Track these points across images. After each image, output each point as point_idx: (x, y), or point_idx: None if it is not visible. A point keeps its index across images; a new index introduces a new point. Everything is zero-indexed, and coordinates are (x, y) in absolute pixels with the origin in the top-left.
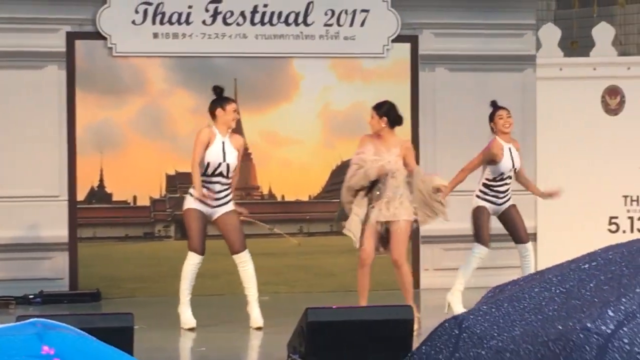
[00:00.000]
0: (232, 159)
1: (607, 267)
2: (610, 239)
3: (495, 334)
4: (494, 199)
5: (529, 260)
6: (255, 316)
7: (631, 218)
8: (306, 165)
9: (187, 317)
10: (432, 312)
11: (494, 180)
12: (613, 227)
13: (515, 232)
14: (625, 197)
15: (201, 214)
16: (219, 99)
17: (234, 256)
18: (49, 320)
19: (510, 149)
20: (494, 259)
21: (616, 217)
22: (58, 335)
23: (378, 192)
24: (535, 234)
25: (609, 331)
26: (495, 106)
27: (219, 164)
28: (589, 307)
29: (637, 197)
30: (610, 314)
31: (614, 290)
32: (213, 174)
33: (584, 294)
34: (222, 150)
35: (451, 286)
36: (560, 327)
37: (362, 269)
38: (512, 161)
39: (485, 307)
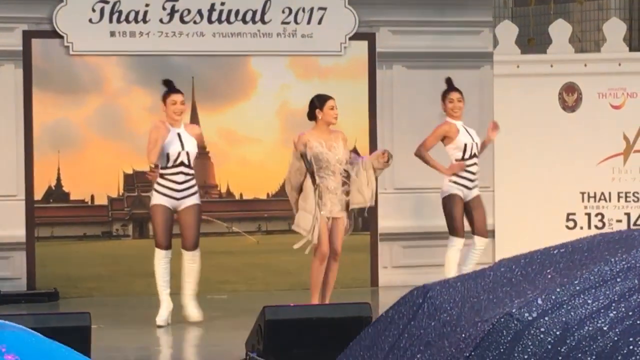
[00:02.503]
0: (191, 147)
1: (571, 256)
2: (567, 236)
3: (448, 308)
4: (466, 182)
5: (476, 254)
6: (191, 310)
7: (588, 214)
8: (264, 164)
9: (159, 313)
10: None
11: (463, 159)
12: (570, 224)
13: (477, 223)
14: (583, 193)
15: (165, 209)
16: (164, 93)
17: (184, 252)
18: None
19: (464, 127)
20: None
21: (574, 214)
22: (8, 334)
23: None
24: (493, 231)
25: (530, 318)
26: (449, 84)
27: (179, 153)
28: (529, 293)
29: (595, 193)
30: (539, 302)
31: (562, 278)
32: (174, 165)
33: (536, 279)
34: (180, 140)
35: (409, 284)
36: (493, 311)
37: (321, 264)
38: (470, 135)
39: (453, 280)
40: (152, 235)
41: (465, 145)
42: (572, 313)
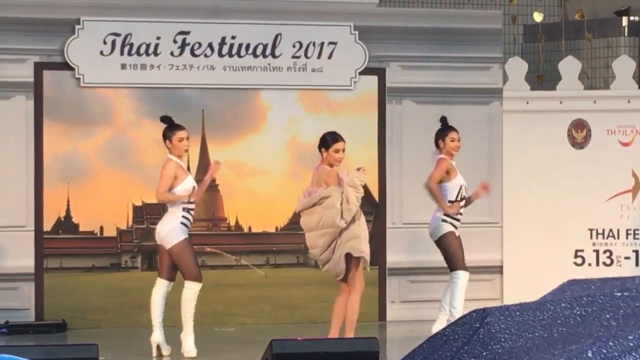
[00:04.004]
0: (193, 182)
1: (633, 302)
2: (575, 273)
3: (502, 340)
4: (456, 222)
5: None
6: (189, 346)
7: (597, 251)
8: (273, 197)
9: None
10: (399, 345)
11: (456, 200)
12: (579, 260)
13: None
14: (591, 230)
15: (190, 242)
16: (166, 130)
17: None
18: (14, 357)
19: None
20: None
21: (582, 250)
22: None
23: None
24: (501, 267)
25: None
26: (445, 124)
27: (194, 188)
28: (582, 340)
29: (603, 230)
30: (589, 354)
31: (618, 328)
32: (191, 201)
33: (594, 324)
34: (188, 176)
35: (417, 318)
36: (544, 355)
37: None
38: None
39: (513, 308)
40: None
41: (461, 186)
42: None
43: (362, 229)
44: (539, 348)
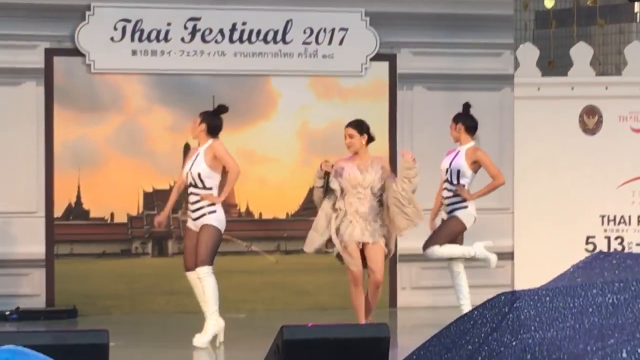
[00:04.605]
0: (196, 167)
1: None
2: None
3: (532, 328)
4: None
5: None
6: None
7: (608, 238)
8: (284, 184)
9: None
10: (409, 331)
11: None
12: (590, 247)
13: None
14: (603, 216)
15: (189, 231)
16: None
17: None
18: (21, 349)
19: None
20: (474, 276)
21: (593, 237)
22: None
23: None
24: (512, 253)
25: None
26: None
27: (186, 175)
28: (615, 336)
29: (614, 216)
30: (624, 355)
31: None
32: (188, 186)
33: (626, 315)
34: (193, 162)
35: (428, 305)
36: (575, 350)
37: (355, 287)
38: None
39: (543, 292)
40: (171, 253)
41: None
42: None
43: None
44: (570, 340)
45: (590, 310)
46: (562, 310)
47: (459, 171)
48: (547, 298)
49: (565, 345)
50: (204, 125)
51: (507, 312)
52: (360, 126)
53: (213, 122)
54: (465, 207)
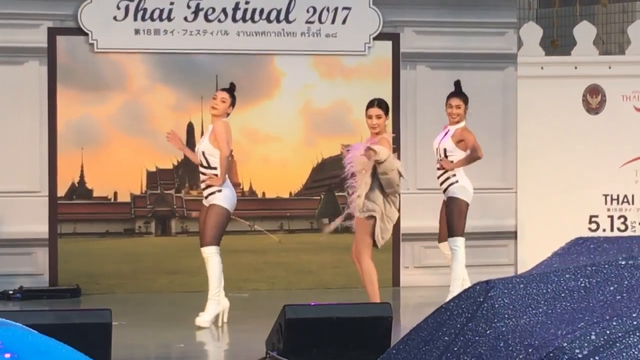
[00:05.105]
0: (202, 146)
1: (638, 271)
2: None
3: (506, 316)
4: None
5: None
6: (202, 314)
7: (611, 217)
8: (287, 163)
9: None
10: (412, 310)
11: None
12: (593, 226)
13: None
14: (606, 195)
15: (202, 208)
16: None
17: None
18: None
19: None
20: (478, 256)
21: (596, 216)
22: (5, 331)
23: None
24: (515, 232)
25: (580, 356)
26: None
27: (196, 153)
28: (585, 319)
29: (617, 196)
30: (593, 337)
31: (622, 303)
32: (199, 164)
33: (597, 297)
34: (202, 140)
35: (431, 284)
36: (546, 335)
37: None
38: None
39: (517, 280)
40: (174, 232)
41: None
42: (624, 354)
43: None
44: (542, 326)
45: (563, 295)
46: (535, 296)
47: (445, 149)
48: (521, 285)
49: (537, 331)
50: (228, 103)
51: (482, 302)
52: (387, 107)
53: (235, 100)
54: (456, 181)
